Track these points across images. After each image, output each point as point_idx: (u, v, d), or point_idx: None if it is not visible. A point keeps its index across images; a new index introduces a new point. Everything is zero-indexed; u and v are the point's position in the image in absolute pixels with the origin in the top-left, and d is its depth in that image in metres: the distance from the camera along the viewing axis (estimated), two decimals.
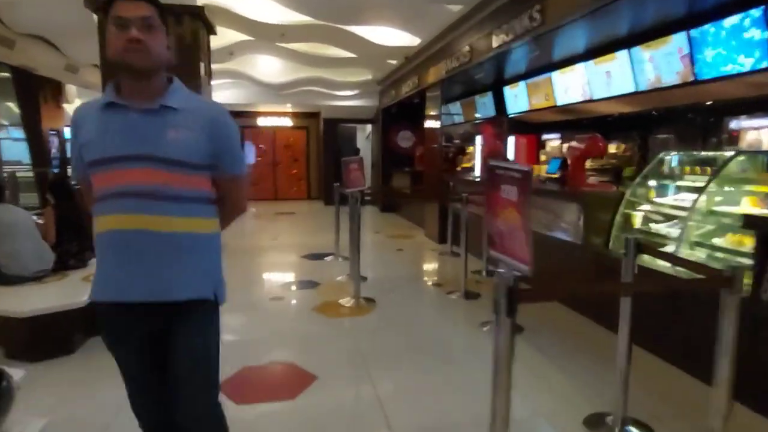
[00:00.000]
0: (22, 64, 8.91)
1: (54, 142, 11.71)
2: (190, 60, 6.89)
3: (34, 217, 4.19)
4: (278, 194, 15.83)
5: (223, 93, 12.22)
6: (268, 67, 10.59)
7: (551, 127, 7.80)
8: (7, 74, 10.47)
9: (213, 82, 11.93)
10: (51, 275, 4.01)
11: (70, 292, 3.72)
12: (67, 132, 12.32)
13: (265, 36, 8.10)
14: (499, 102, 7.98)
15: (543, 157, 7.93)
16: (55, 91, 11.84)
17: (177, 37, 6.80)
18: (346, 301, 4.75)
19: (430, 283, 5.73)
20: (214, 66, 9.96)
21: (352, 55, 8.94)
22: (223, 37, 8.36)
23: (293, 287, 5.42)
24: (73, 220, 4.36)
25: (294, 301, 4.97)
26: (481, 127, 8.65)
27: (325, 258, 6.84)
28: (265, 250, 7.71)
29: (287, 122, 15.58)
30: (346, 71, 10.87)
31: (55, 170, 11.48)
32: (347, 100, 12.75)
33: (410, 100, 9.98)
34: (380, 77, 10.87)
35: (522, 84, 7.16)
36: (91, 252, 4.53)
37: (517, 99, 7.46)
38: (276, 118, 15.44)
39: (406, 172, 11.07)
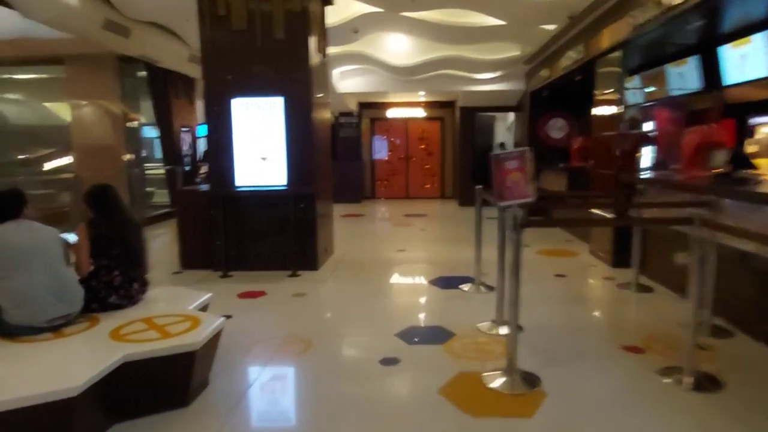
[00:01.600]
0: (143, 55, 8.57)
1: (186, 139, 11.57)
2: (298, 33, 5.66)
3: (71, 237, 3.12)
4: (410, 192, 14.48)
5: (350, 81, 11.10)
6: (398, 48, 9.17)
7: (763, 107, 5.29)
8: (145, 72, 10.46)
9: (338, 70, 10.89)
10: (78, 321, 2.92)
11: (80, 358, 2.56)
12: (201, 129, 12.23)
13: (393, 4, 6.65)
14: (710, 70, 5.63)
15: (753, 148, 5.44)
16: (188, 87, 11.71)
17: (283, 7, 5.64)
18: (494, 379, 3.07)
19: (622, 346, 3.71)
20: (336, 49, 8.80)
21: (498, 23, 7.13)
22: (345, 10, 7.07)
23: (415, 338, 3.86)
24: (117, 241, 3.27)
25: (412, 370, 3.39)
26: (654, 111, 6.36)
27: (461, 286, 5.20)
28: (385, 267, 6.28)
29: (420, 113, 14.13)
30: (487, 47, 9.06)
31: (187, 168, 11.32)
32: (487, 84, 10.91)
33: (569, 78, 7.88)
34: (530, 53, 8.87)
35: (761, 38, 4.80)
36: (141, 285, 3.41)
37: (746, 62, 5.09)
38: (408, 108, 14.07)
39: (560, 169, 8.95)
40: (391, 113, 14.14)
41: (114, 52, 8.87)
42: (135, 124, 11.13)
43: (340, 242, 7.37)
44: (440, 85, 11.00)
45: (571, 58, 7.22)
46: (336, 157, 14.08)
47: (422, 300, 4.99)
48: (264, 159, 5.77)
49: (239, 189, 5.80)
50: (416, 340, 3.81)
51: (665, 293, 4.86)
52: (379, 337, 3.91)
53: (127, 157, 10.38)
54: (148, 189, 11.73)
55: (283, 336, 3.92)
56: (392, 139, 14.42)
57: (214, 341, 3.02)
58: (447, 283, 5.38)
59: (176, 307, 3.32)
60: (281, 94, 5.66)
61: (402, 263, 6.51)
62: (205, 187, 6.32)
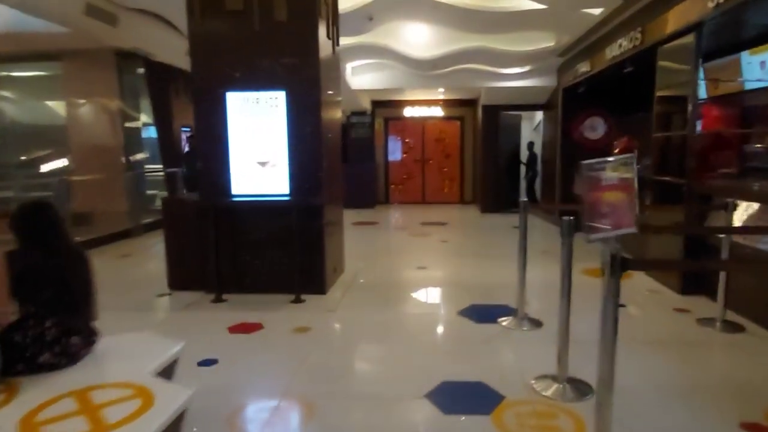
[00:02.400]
0: (136, 48, 7.76)
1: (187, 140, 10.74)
2: (304, 15, 4.76)
3: None
4: (426, 197, 13.54)
5: (364, 77, 10.19)
6: (417, 39, 8.25)
7: None
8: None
9: (350, 64, 10.00)
10: None
11: None
12: None
13: None
14: None
15: None
16: (189, 84, 10.89)
17: None
18: None
19: (740, 423, 2.61)
20: (349, 40, 7.89)
21: (535, 6, 6.18)
22: None
23: (452, 403, 2.92)
24: (51, 279, 2.40)
25: None
26: (703, 107, 5.38)
27: (500, 319, 4.25)
28: (404, 292, 5.36)
29: (437, 112, 13.19)
30: (518, 37, 8.10)
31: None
32: (514, 79, 9.94)
33: (616, 70, 6.90)
34: (566, 43, 7.89)
35: None
36: (85, 337, 2.53)
37: None
38: (425, 107, 13.14)
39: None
40: (407, 112, 13.21)
41: (110, 47, 8.11)
42: (136, 123, 10.36)
43: (352, 257, 6.47)
44: (462, 81, 10.06)
45: (621, 46, 6.24)
46: (347, 160, 13.20)
47: (453, 339, 4.05)
48: (263, 164, 4.88)
49: (235, 199, 4.91)
50: (454, 407, 2.87)
51: (761, 334, 3.88)
52: (404, 399, 2.98)
53: (125, 158, 9.63)
54: (150, 192, 10.95)
55: (278, 396, 3.01)
56: (407, 140, 13.50)
57: (172, 429, 2.12)
58: (481, 314, 4.44)
59: (130, 369, 2.42)
60: (283, 88, 4.77)
61: (424, 286, 5.58)
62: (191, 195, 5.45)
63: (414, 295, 5.16)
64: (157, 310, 4.81)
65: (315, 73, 4.79)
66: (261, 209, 4.96)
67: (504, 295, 4.92)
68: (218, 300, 4.87)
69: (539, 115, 11.95)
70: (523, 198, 4.70)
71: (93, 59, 9.07)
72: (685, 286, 4.81)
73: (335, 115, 5.65)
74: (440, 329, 4.27)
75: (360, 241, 8.18)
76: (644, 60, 5.75)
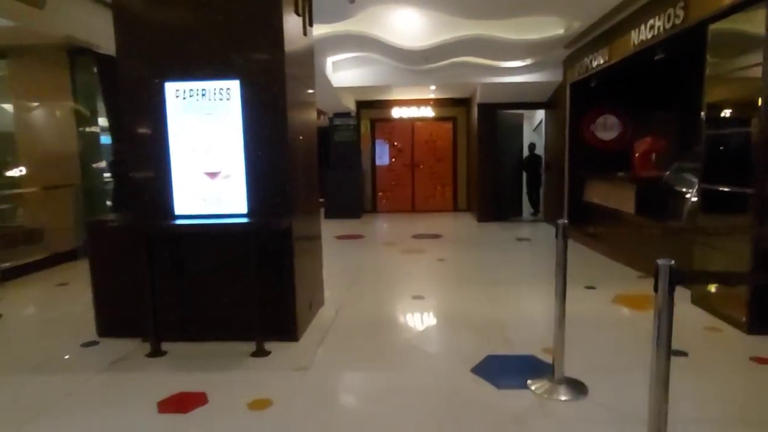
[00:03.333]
0: (71, 36, 6.59)
1: None
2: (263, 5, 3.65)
3: None
4: (417, 205, 12.47)
5: (346, 73, 9.10)
6: (406, 26, 7.18)
7: None
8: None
9: (332, 59, 8.89)
10: None
11: None
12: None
13: None
14: None
15: None
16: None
17: None
18: None
19: None
20: (328, 28, 6.82)
21: None
22: None
23: None
24: None
25: None
26: None
27: (530, 383, 3.16)
28: (397, 334, 4.27)
29: (428, 113, 12.14)
30: (519, 24, 7.08)
31: None
32: (514, 74, 8.92)
33: (641, 58, 5.90)
34: (576, 29, 6.87)
35: None
36: None
37: None
38: (414, 108, 12.07)
39: (619, 179, 6.97)
40: (395, 113, 12.15)
41: (61, 42, 7.01)
42: (93, 128, 9.15)
43: (334, 283, 5.39)
44: (456, 77, 9.01)
45: (653, 28, 5.21)
46: (330, 166, 12.12)
47: (468, 420, 2.94)
48: (213, 175, 3.76)
49: (178, 221, 3.78)
50: None
51: None
52: None
53: (82, 167, 8.45)
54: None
55: None
56: (396, 144, 12.44)
57: None
58: (502, 372, 3.34)
59: None
60: (237, 77, 3.66)
61: (422, 325, 4.47)
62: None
63: (411, 339, 4.05)
64: (71, 370, 3.64)
65: (278, 58, 3.68)
66: (211, 234, 3.84)
67: (525, 337, 3.86)
68: (156, 353, 3.72)
69: (539, 115, 10.97)
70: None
71: (41, 57, 7.95)
72: (754, 323, 3.77)
73: (309, 113, 4.54)
74: (449, 402, 3.15)
75: (344, 260, 7.08)
76: (684, 44, 4.74)
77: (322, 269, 4.92)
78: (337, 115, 12.15)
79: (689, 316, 4.33)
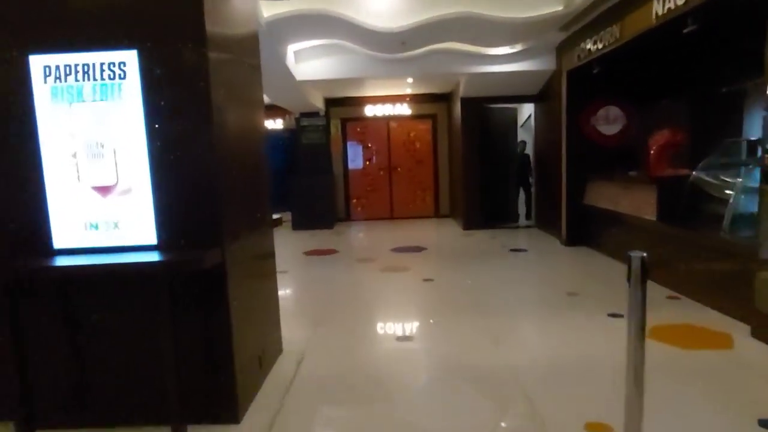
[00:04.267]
0: None
1: None
2: None
3: None
4: (395, 211, 11.38)
5: (310, 65, 7.94)
6: (379, 4, 6.08)
7: None
8: None
9: (294, 48, 7.71)
10: None
11: None
12: None
13: None
14: None
15: None
16: None
17: None
18: None
19: None
20: (282, 6, 5.68)
21: None
22: None
23: None
24: None
25: None
26: None
27: None
28: (381, 401, 3.14)
29: (405, 110, 11.06)
30: (509, 1, 6.07)
31: None
32: (501, 63, 7.89)
33: (664, 34, 4.92)
34: (580, 4, 5.86)
35: None
36: None
37: None
38: (390, 105, 10.98)
39: (632, 179, 6.00)
40: (369, 111, 11.03)
41: None
42: None
43: (297, 320, 4.26)
44: (437, 66, 7.93)
45: None
46: (297, 171, 10.93)
47: None
48: (104, 191, 2.58)
49: (58, 260, 2.58)
50: None
51: None
52: None
53: None
54: None
55: None
56: (370, 145, 11.32)
57: None
58: None
59: None
60: (134, 45, 2.49)
61: (414, 384, 3.32)
62: None
63: (402, 414, 2.91)
64: None
65: (196, 19, 2.51)
66: (101, 277, 2.65)
67: (556, 402, 2.77)
68: None
69: (527, 110, 10.00)
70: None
71: None
72: None
73: (252, 104, 3.38)
74: None
75: (311, 285, 5.92)
76: (724, 11, 3.74)
77: (277, 306, 3.76)
78: (304, 115, 10.99)
79: (755, 358, 3.31)
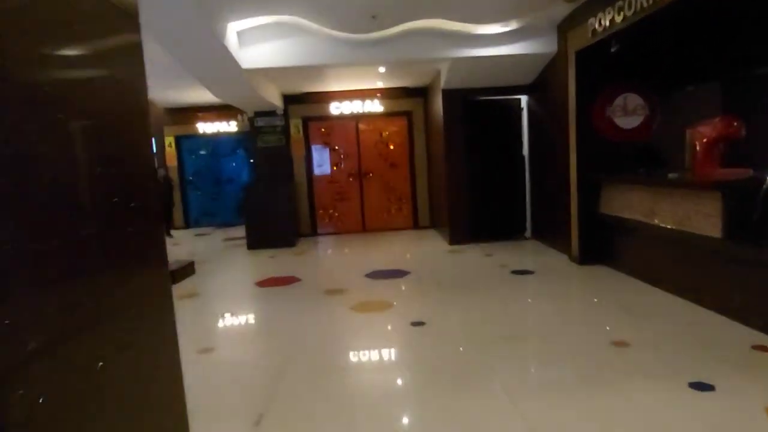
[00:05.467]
0: None
1: None
2: None
3: None
4: (368, 223, 9.93)
5: (258, 50, 6.41)
6: None
7: None
8: None
9: (235, 25, 6.05)
10: None
11: None
12: None
13: None
14: None
15: None
16: None
17: None
18: None
19: None
20: None
21: None
22: None
23: None
24: None
25: None
26: None
27: None
28: None
29: (376, 107, 9.62)
30: None
31: None
32: (491, 44, 6.54)
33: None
34: None
35: None
36: None
37: None
38: (358, 102, 9.53)
39: (668, 184, 4.71)
40: (334, 108, 9.55)
41: None
42: None
43: (229, 409, 2.77)
44: (415, 50, 6.53)
45: None
46: (253, 179, 9.39)
47: None
48: None
49: None
50: None
51: None
52: None
53: None
54: None
55: None
56: (337, 148, 9.84)
57: None
58: None
59: None
60: None
61: None
62: None
63: None
64: None
65: None
66: None
67: None
68: None
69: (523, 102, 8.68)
70: None
71: None
72: None
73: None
74: None
75: (261, 335, 4.41)
76: None
77: (181, 395, 2.24)
78: (260, 114, 9.45)
79: None
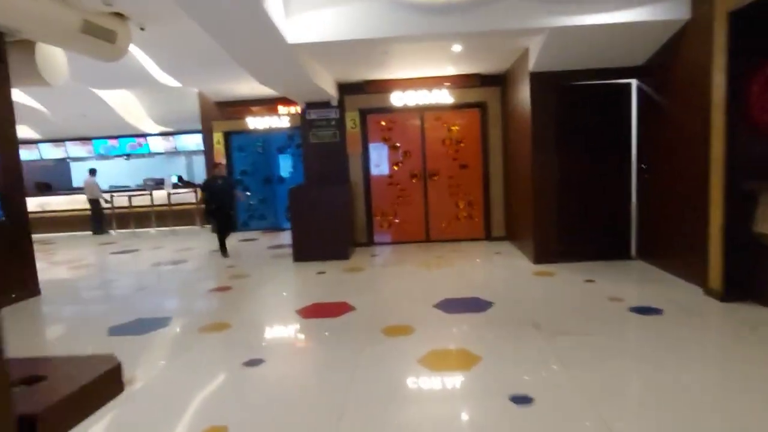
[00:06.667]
0: None
1: None
2: None
3: None
4: (432, 232, 8.61)
5: (307, 20, 5.21)
6: None
7: None
8: None
9: None
10: None
11: None
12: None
13: None
14: None
15: None
16: None
17: None
18: None
19: None
20: None
21: None
22: None
23: None
24: None
25: None
26: None
27: None
28: None
29: (445, 97, 8.27)
30: None
31: None
32: (601, 9, 5.05)
33: None
34: None
35: None
36: None
37: None
38: (425, 92, 8.21)
39: None
40: (396, 99, 8.27)
41: None
42: None
43: None
44: (501, 19, 5.14)
45: None
46: (307, 180, 8.31)
47: None
48: None
49: None
50: None
51: None
52: None
53: None
54: None
55: None
56: (398, 145, 8.58)
57: None
58: None
59: None
60: None
61: None
62: None
63: None
64: None
65: None
66: None
67: None
68: None
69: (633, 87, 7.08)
70: None
71: None
72: None
73: None
74: None
75: (287, 407, 3.13)
76: None
77: None
78: (312, 106, 8.33)
79: None
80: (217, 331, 4.45)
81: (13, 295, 5.84)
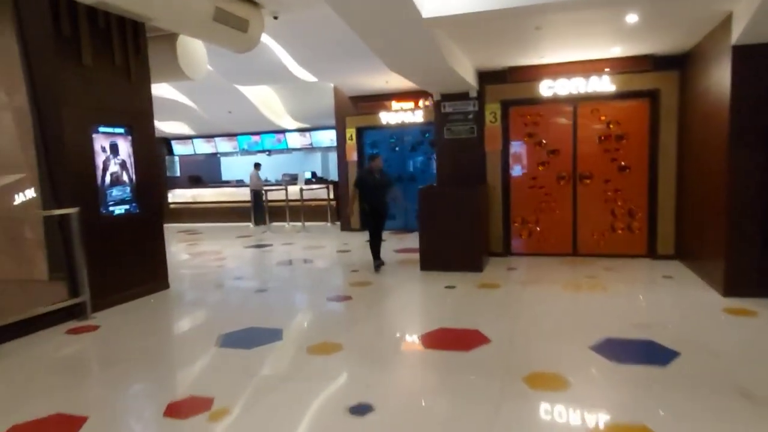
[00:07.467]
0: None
1: (106, 149, 5.69)
2: None
3: None
4: (580, 245, 7.35)
5: None
6: None
7: None
8: None
9: None
10: None
11: None
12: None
13: None
14: None
15: None
16: (122, 39, 5.94)
17: None
18: None
19: None
20: None
21: None
22: None
23: None
24: None
25: None
26: None
27: None
28: None
29: (605, 85, 6.94)
30: None
31: (112, 209, 5.51)
32: None
33: None
34: None
35: None
36: None
37: None
38: (578, 80, 6.98)
39: None
40: (544, 89, 7.13)
41: None
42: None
43: None
44: None
45: None
46: (439, 180, 7.56)
47: None
48: None
49: None
50: None
51: None
52: None
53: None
54: None
55: None
56: (544, 142, 7.42)
57: None
58: None
59: None
60: None
61: None
62: None
63: None
64: None
65: None
66: None
67: None
68: None
69: None
70: None
71: None
72: None
73: None
74: None
75: None
76: None
77: None
78: (448, 98, 7.53)
79: None
80: (326, 354, 3.86)
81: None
